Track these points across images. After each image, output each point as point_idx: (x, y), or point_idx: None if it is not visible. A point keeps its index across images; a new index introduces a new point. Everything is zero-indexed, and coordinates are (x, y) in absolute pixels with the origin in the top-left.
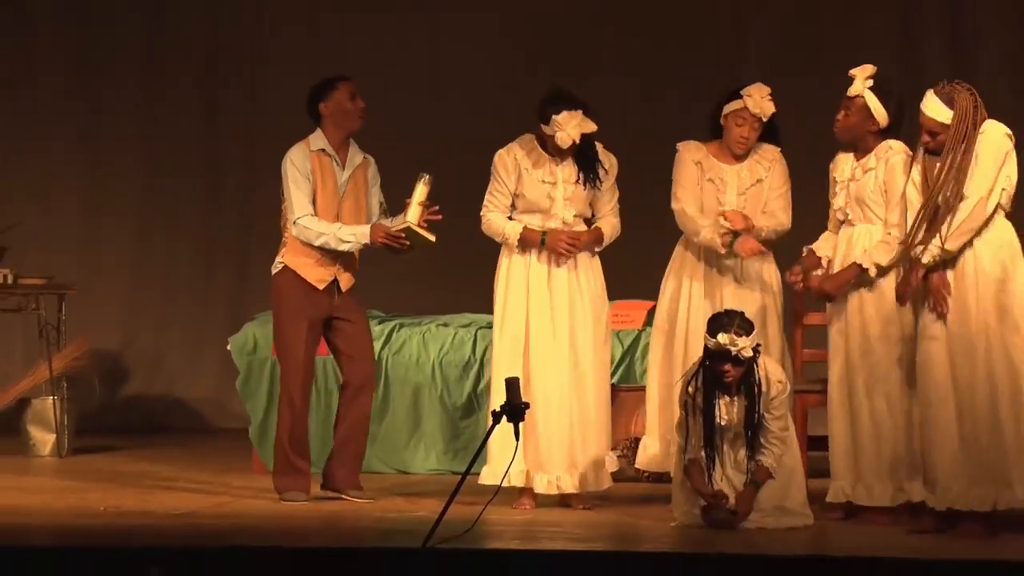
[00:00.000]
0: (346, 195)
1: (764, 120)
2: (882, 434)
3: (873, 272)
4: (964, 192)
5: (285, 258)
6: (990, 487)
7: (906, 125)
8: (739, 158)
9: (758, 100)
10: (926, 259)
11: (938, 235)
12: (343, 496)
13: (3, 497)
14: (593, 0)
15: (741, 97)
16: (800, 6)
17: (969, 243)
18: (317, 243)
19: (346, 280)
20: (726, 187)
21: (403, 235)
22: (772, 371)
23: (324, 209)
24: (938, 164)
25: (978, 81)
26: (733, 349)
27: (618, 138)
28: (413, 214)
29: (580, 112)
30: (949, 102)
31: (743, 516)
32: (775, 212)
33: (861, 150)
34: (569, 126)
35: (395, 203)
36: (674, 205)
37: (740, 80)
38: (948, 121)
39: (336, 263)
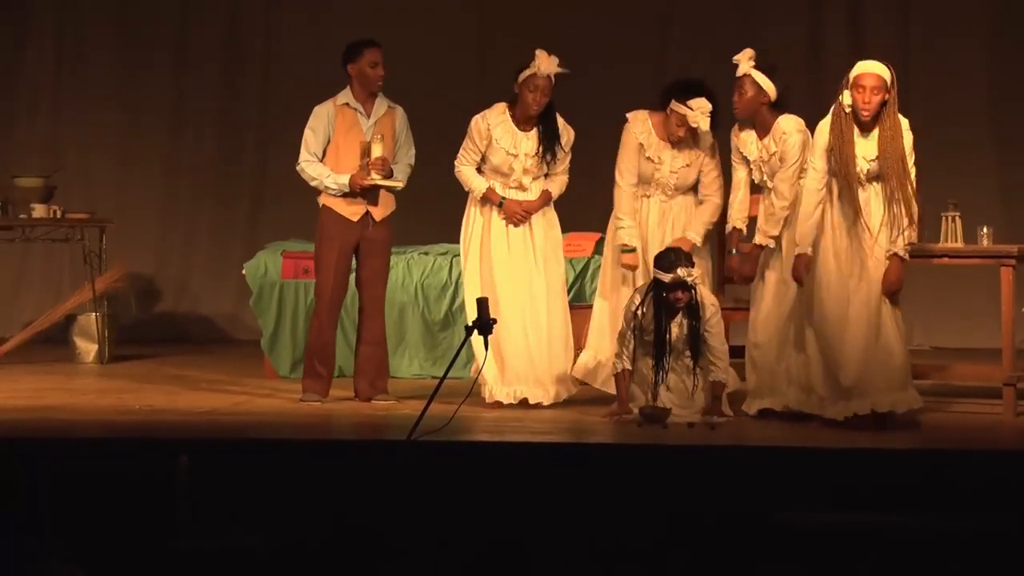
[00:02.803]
0: (374, 141)
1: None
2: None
3: (772, 244)
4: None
5: (322, 198)
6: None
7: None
8: (675, 143)
9: (699, 113)
10: (904, 254)
11: (906, 229)
12: (371, 401)
13: (54, 397)
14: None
15: (688, 103)
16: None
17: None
18: (312, 184)
19: (378, 212)
20: (662, 165)
21: (373, 187)
22: (706, 296)
23: (348, 154)
24: (880, 137)
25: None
26: (689, 279)
27: (570, 97)
28: (375, 172)
29: (555, 56)
30: (886, 64)
31: (713, 419)
32: (710, 196)
33: (760, 126)
34: (546, 60)
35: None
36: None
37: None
38: (888, 79)
39: (364, 199)
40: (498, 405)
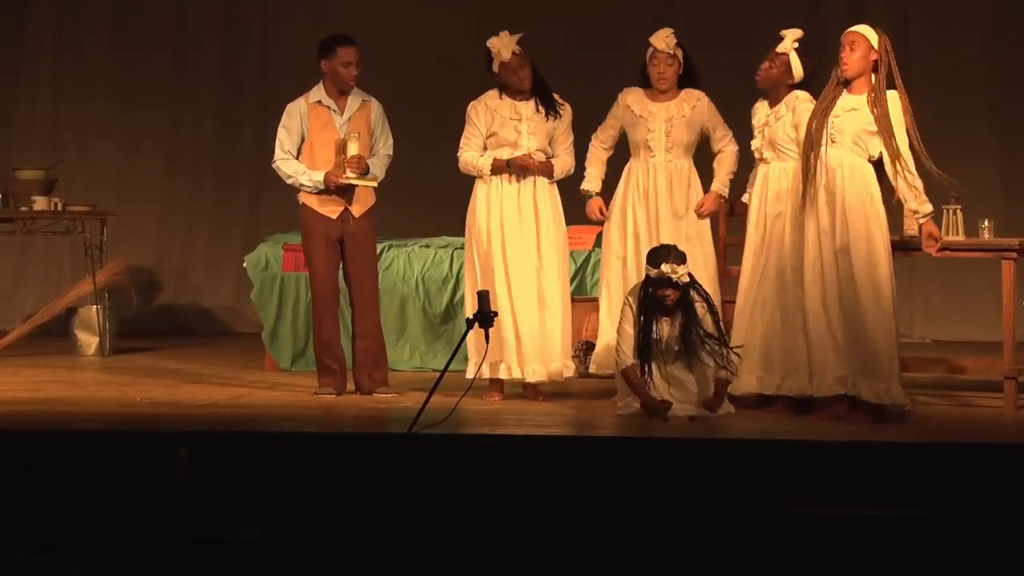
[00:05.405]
0: (349, 138)
1: (673, 55)
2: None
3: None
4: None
5: (301, 197)
6: (878, 382)
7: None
8: (665, 94)
9: (662, 38)
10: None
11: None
12: (373, 394)
13: (56, 389)
14: None
15: (651, 44)
16: None
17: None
18: (288, 182)
19: (357, 208)
20: (654, 120)
21: (348, 185)
22: (698, 293)
23: (323, 152)
24: (872, 102)
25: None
26: (673, 276)
27: (563, 83)
28: (351, 170)
29: (506, 33)
30: (876, 30)
31: (712, 411)
32: (725, 147)
33: (774, 99)
34: (500, 44)
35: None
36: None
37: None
38: (873, 41)
39: (342, 196)
40: (499, 392)
